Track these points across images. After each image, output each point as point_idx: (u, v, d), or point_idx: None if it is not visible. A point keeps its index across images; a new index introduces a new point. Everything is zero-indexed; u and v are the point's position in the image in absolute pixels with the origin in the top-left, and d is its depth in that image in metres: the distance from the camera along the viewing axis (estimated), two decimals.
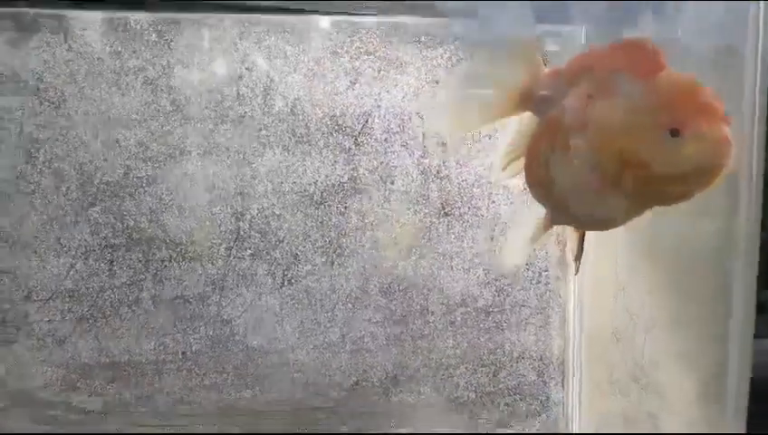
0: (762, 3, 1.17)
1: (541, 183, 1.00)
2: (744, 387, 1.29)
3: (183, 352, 1.59)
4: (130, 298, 1.55)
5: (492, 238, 1.71)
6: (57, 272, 1.53)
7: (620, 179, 0.86)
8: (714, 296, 1.34)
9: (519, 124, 1.06)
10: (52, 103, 1.49)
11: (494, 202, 1.70)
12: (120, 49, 1.50)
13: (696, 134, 0.79)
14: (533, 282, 1.74)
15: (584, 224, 1.04)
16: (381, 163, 1.65)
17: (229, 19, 1.53)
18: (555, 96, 0.96)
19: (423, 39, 1.63)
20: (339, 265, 1.65)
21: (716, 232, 1.32)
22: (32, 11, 1.45)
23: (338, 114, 1.61)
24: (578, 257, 1.06)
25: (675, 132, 0.80)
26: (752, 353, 1.30)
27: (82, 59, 1.49)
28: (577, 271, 1.09)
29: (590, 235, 1.65)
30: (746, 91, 1.18)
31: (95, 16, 1.48)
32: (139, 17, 1.49)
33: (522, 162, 1.06)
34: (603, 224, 1.00)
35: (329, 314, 1.66)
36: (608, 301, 1.67)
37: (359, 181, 1.64)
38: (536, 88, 1.01)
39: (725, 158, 0.80)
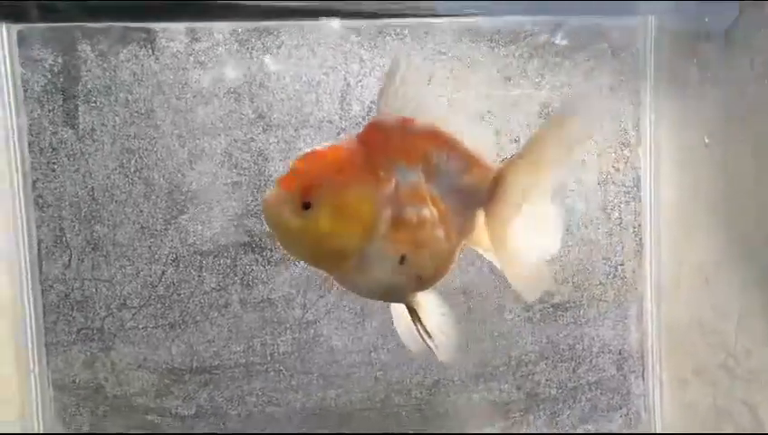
0: None
1: None
2: None
3: (271, 355, 1.62)
4: (220, 303, 1.58)
5: (568, 233, 1.71)
6: (150, 279, 1.56)
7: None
8: None
9: None
10: (142, 114, 1.52)
11: (568, 197, 1.70)
12: (203, 59, 1.53)
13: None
14: (610, 276, 1.74)
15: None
16: None
17: (307, 26, 1.55)
18: None
19: (494, 37, 1.64)
20: None
21: None
22: (121, 25, 1.49)
23: None
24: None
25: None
26: None
27: (169, 70, 1.52)
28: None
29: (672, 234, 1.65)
30: None
31: (180, 28, 1.51)
32: (221, 27, 1.52)
33: None
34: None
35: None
36: (689, 294, 1.66)
37: None
38: None
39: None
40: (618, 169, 1.73)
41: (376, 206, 0.88)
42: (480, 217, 0.97)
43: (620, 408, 1.78)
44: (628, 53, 1.70)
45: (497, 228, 0.96)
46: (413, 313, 0.98)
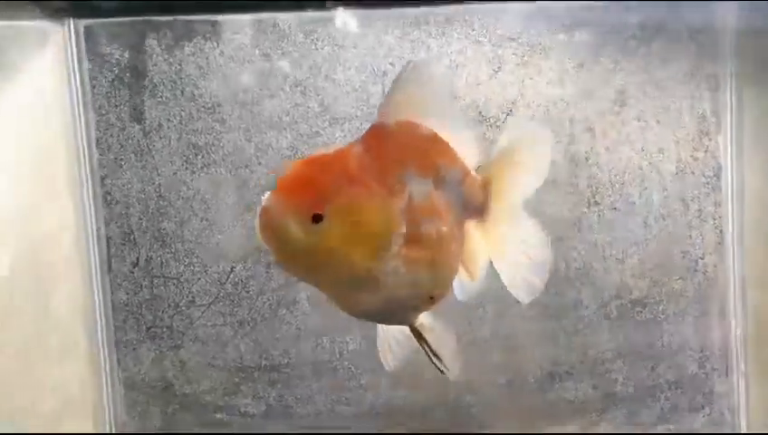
0: None
1: None
2: None
3: (340, 353, 1.59)
4: (288, 300, 1.56)
5: (646, 225, 1.64)
6: (218, 276, 1.54)
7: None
8: None
9: None
10: (208, 109, 1.50)
11: (646, 188, 1.63)
12: (268, 51, 1.50)
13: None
14: (690, 271, 1.67)
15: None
16: None
17: (373, 14, 1.52)
18: None
19: (566, 22, 1.58)
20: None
21: None
22: (186, 18, 1.47)
23: (481, 104, 1.58)
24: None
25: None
26: None
27: (234, 62, 1.50)
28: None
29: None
30: None
31: (245, 19, 1.49)
32: (286, 18, 1.50)
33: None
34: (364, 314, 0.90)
35: (480, 311, 1.62)
36: None
37: None
38: None
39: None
40: (696, 159, 1.65)
41: (393, 220, 0.79)
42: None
43: (702, 408, 1.70)
44: (706, 36, 1.62)
45: (494, 235, 0.92)
46: (418, 334, 0.90)
